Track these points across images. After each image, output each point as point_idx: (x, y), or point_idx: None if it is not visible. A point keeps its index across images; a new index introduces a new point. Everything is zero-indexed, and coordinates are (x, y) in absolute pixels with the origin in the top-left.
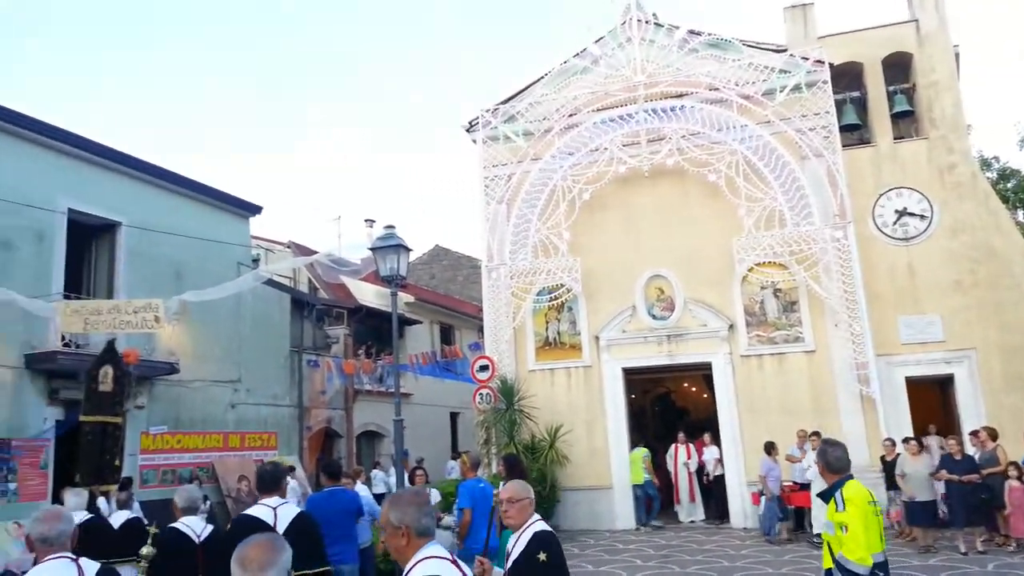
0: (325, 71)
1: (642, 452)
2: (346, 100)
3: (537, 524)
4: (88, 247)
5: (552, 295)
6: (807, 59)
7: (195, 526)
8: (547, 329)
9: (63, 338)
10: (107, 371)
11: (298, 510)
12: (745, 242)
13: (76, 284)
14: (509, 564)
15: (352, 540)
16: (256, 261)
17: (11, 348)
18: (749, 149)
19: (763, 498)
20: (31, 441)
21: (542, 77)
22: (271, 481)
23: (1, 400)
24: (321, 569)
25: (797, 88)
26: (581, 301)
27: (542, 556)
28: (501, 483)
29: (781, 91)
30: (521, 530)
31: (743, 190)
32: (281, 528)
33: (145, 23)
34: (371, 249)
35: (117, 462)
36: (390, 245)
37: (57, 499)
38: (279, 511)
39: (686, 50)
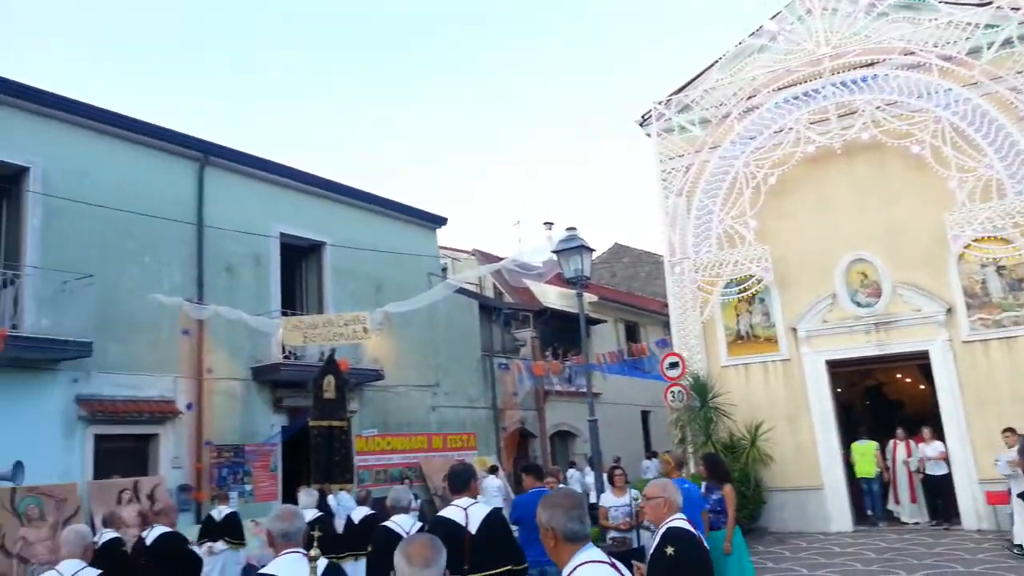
0: (485, 73)
1: (872, 445)
2: (512, 102)
3: (673, 522)
4: (299, 267)
5: (741, 287)
6: (1017, 9)
7: (404, 524)
8: (738, 323)
9: (284, 351)
10: (330, 380)
11: (488, 509)
12: (959, 216)
13: (290, 301)
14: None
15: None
16: (444, 270)
17: (240, 362)
18: (956, 115)
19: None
20: (262, 446)
21: (716, 62)
22: (461, 482)
23: (234, 409)
24: (517, 567)
25: (1008, 43)
26: (773, 291)
27: (669, 550)
28: (703, 483)
29: (989, 48)
30: (659, 528)
31: (952, 160)
32: (473, 527)
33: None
34: (554, 252)
35: (347, 462)
36: (573, 247)
37: (289, 498)
38: (470, 511)
39: (874, 15)
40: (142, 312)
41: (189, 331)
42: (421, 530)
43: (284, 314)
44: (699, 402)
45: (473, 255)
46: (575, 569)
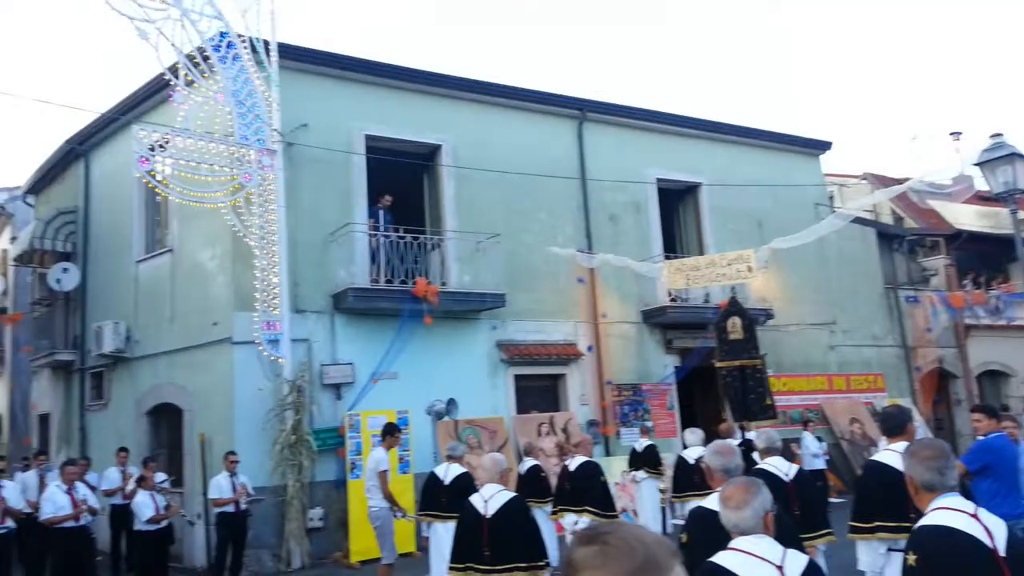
0: None
1: None
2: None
3: None
4: (676, 210)
5: None
6: None
7: (781, 466)
8: None
9: (669, 294)
10: (735, 321)
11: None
12: None
13: (671, 245)
14: None
15: (1019, 492)
16: (831, 199)
17: (631, 306)
18: None
19: None
20: (657, 385)
21: None
22: (896, 425)
23: (628, 351)
24: None
25: None
26: None
27: None
28: None
29: None
30: None
31: None
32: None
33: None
34: (977, 164)
35: (768, 400)
36: (1001, 155)
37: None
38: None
39: None
40: (542, 264)
41: (583, 279)
42: (799, 472)
43: (666, 258)
44: None
45: (864, 180)
46: (929, 513)
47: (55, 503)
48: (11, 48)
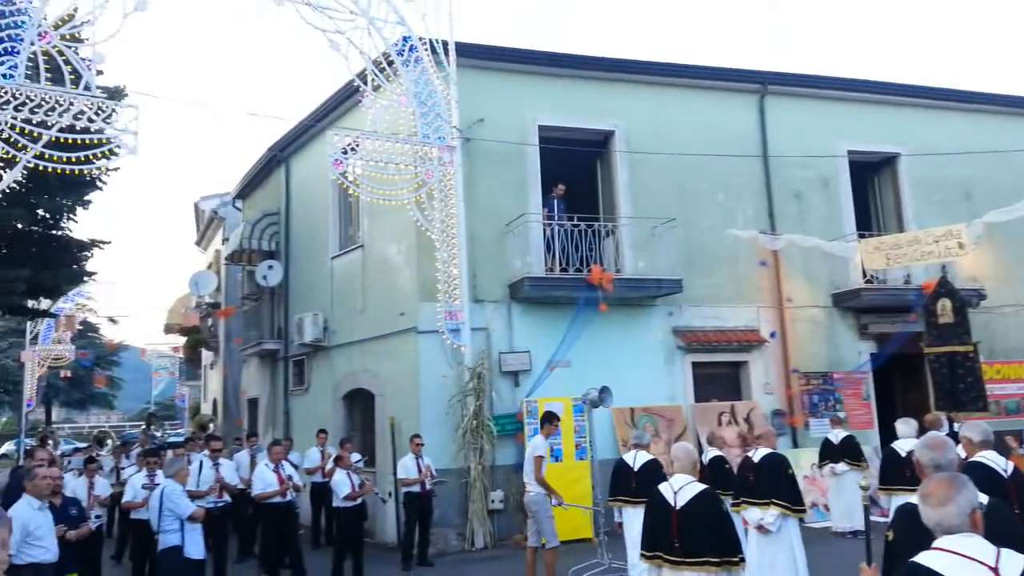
0: None
1: None
2: None
3: None
4: (870, 184)
5: None
6: None
7: (998, 461)
8: None
9: (864, 275)
10: (944, 303)
11: None
12: None
13: (864, 222)
14: None
15: None
16: None
17: (819, 289)
18: None
19: None
20: (851, 374)
21: None
22: None
23: (817, 337)
24: None
25: None
26: None
27: None
28: None
29: None
30: None
31: None
32: None
33: None
34: None
35: (976, 389)
36: None
37: (885, 428)
38: None
39: None
40: (721, 247)
41: (766, 262)
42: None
43: (859, 236)
44: None
45: None
46: None
47: (264, 480)
48: (220, 67)
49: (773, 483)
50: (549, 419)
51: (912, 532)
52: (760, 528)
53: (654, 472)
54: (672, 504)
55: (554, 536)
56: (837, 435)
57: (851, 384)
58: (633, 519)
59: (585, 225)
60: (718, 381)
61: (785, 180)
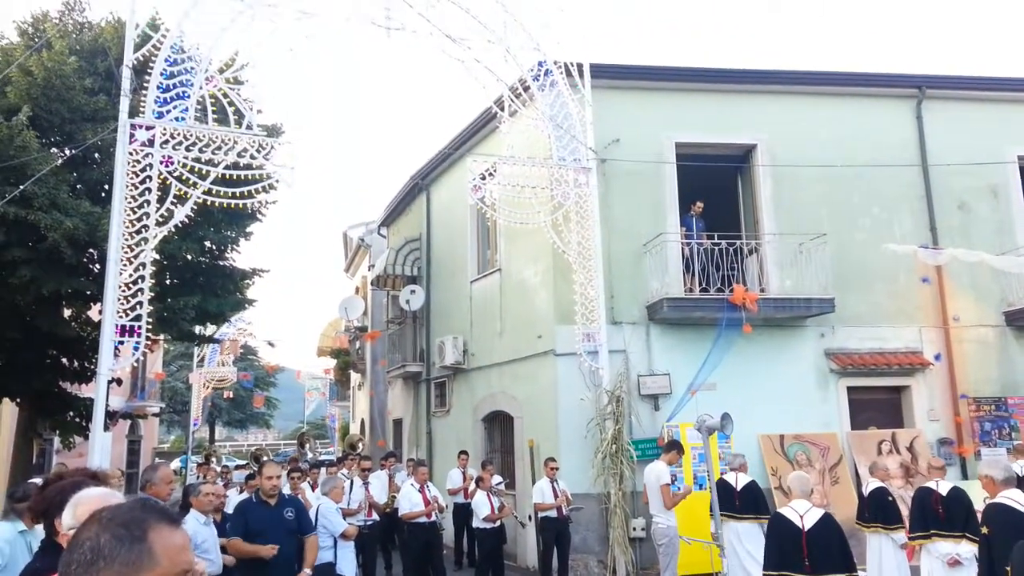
0: None
1: None
2: None
3: None
4: None
5: None
6: None
7: (1019, 498)
8: None
9: None
10: None
11: None
12: None
13: None
14: None
15: None
16: None
17: (989, 307)
18: None
19: None
20: None
21: None
22: None
23: (988, 358)
24: None
25: None
26: None
27: None
28: None
29: None
30: None
31: None
32: None
33: None
34: None
35: None
36: None
37: None
38: None
39: None
40: (877, 263)
41: (928, 278)
42: None
43: None
44: None
45: None
46: None
47: (411, 500)
48: (365, 102)
49: (963, 516)
50: (674, 447)
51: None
52: (953, 562)
53: (755, 491)
54: (800, 527)
55: (670, 573)
56: (1022, 467)
57: None
58: (737, 531)
59: (726, 243)
60: (877, 407)
61: (947, 190)
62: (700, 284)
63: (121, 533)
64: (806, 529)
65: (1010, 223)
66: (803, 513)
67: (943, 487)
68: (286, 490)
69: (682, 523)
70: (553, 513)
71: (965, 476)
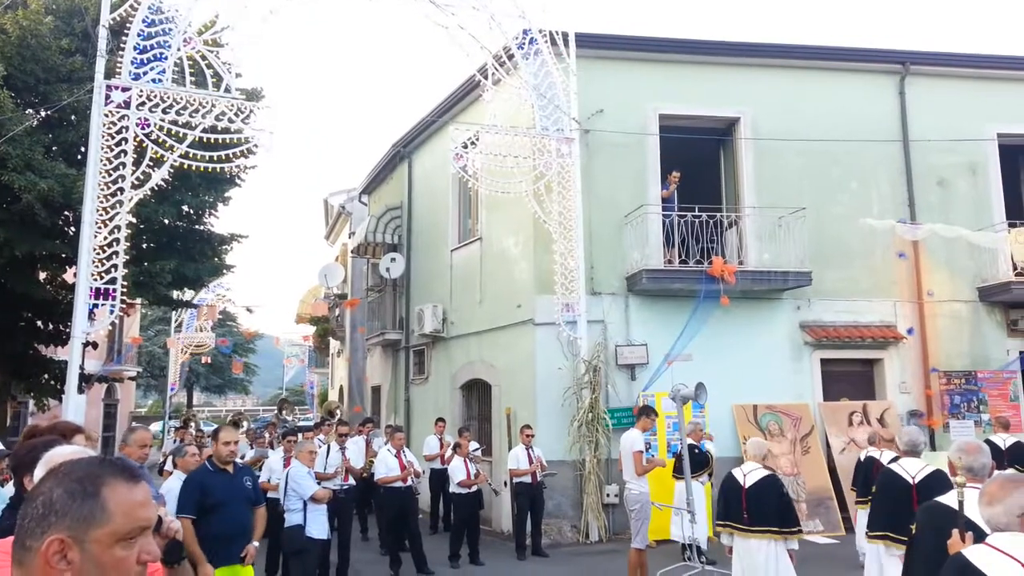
0: None
1: None
2: None
3: None
4: (1022, 170)
5: None
6: None
7: (910, 468)
8: None
9: (1015, 268)
10: None
11: None
12: None
13: (1015, 210)
14: None
15: None
16: None
17: (963, 283)
18: None
19: None
20: (998, 373)
21: None
22: None
23: (960, 333)
24: None
25: None
26: None
27: None
28: None
29: None
30: None
31: None
32: None
33: None
34: None
35: None
36: None
37: None
38: None
39: None
40: (854, 238)
41: (904, 253)
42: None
43: (1010, 226)
44: None
45: None
46: None
47: (387, 465)
48: (345, 66)
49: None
50: (647, 412)
51: (933, 526)
52: None
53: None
54: (742, 484)
55: (643, 539)
56: (1004, 439)
57: (997, 384)
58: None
59: (707, 216)
60: (849, 379)
61: (927, 166)
62: (680, 256)
63: (74, 488)
64: (746, 487)
65: (987, 200)
66: (747, 472)
67: (885, 457)
68: (279, 455)
69: (654, 489)
70: (528, 479)
71: (933, 448)
